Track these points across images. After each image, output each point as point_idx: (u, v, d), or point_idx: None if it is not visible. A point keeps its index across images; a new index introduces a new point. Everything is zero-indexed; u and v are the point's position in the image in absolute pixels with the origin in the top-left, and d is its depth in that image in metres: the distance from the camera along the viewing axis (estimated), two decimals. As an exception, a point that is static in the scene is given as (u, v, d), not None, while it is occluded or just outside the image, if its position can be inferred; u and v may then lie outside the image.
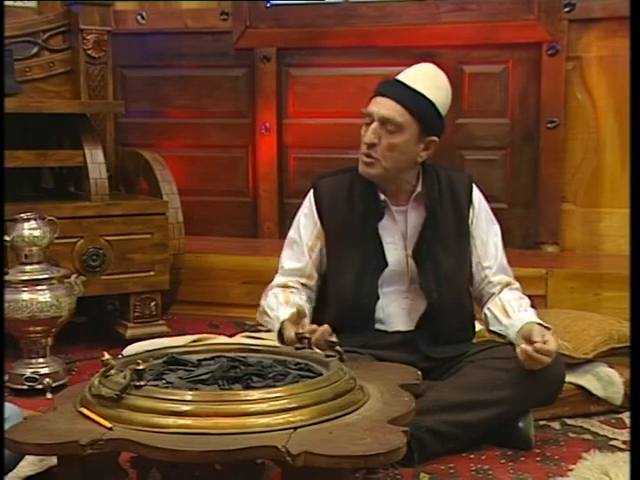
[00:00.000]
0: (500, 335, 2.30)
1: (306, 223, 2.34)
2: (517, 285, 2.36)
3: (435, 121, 2.22)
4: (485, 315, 2.33)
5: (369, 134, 2.19)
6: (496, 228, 2.38)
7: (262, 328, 3.34)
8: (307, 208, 2.35)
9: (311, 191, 2.36)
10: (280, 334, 2.15)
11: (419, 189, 2.28)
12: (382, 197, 2.28)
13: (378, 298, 2.28)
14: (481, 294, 2.36)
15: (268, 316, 2.26)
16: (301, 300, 2.27)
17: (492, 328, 2.31)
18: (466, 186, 2.34)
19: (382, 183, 2.27)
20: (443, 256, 2.28)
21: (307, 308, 2.24)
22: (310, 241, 2.33)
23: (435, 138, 2.24)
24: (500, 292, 2.32)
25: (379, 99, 2.21)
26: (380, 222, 2.28)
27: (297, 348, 1.98)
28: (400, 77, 2.24)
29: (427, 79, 2.23)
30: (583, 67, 3.76)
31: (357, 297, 2.26)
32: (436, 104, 2.20)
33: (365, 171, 2.24)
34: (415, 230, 2.28)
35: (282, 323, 2.15)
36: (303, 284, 2.32)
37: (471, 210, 2.33)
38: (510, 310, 2.26)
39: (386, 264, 2.27)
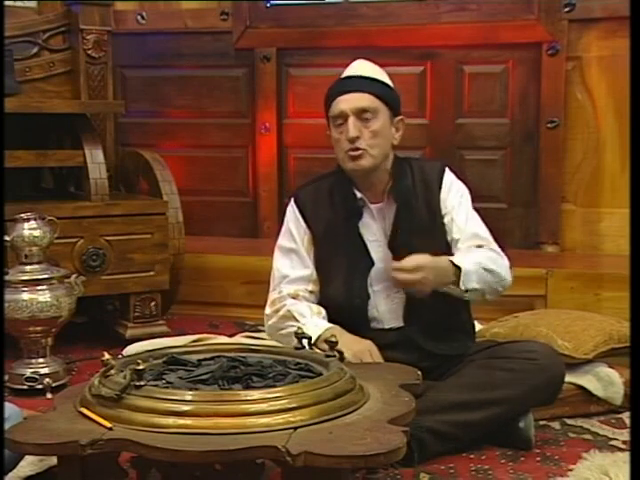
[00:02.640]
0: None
1: (298, 231, 2.34)
2: (489, 247, 2.25)
3: (397, 101, 2.29)
4: None
5: (351, 129, 2.20)
6: (466, 203, 2.31)
7: (262, 328, 3.36)
8: (293, 217, 2.36)
9: (292, 202, 2.37)
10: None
11: (391, 183, 2.29)
12: (359, 195, 2.28)
13: (369, 298, 2.27)
14: None
15: (296, 320, 2.21)
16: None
17: None
18: (438, 172, 2.33)
19: (363, 176, 2.27)
20: (418, 245, 2.23)
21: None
22: (305, 248, 2.33)
23: (402, 117, 2.30)
24: None
25: (343, 97, 2.24)
26: (361, 221, 2.29)
27: (297, 348, 1.98)
28: (348, 73, 2.30)
29: (371, 69, 2.30)
30: (583, 67, 3.76)
31: (348, 299, 2.26)
32: (391, 86, 2.28)
33: (356, 165, 2.24)
34: (392, 223, 2.29)
35: (327, 330, 2.15)
36: (310, 291, 2.31)
37: (442, 193, 2.31)
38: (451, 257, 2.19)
39: (372, 263, 2.27)
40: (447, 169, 2.35)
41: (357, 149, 2.22)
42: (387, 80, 2.29)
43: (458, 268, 2.14)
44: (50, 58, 3.48)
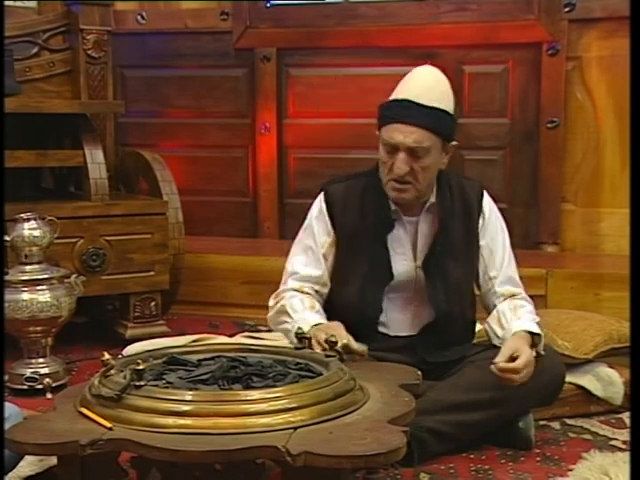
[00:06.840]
0: None
1: (320, 229, 2.28)
2: (523, 296, 2.29)
3: (454, 129, 2.20)
4: (486, 331, 2.30)
5: (401, 165, 2.12)
6: (505, 238, 2.32)
7: (262, 328, 3.36)
8: (319, 213, 2.30)
9: (321, 195, 2.31)
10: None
11: (433, 200, 2.25)
12: (394, 207, 2.24)
13: (382, 310, 2.25)
14: (487, 304, 2.33)
15: (289, 316, 2.20)
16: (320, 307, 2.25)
17: (494, 343, 2.25)
18: (477, 194, 2.31)
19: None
20: (452, 268, 2.25)
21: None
22: (324, 249, 2.28)
23: (455, 142, 2.21)
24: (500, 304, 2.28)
25: (399, 127, 2.12)
26: (390, 233, 2.24)
27: (297, 348, 1.98)
28: (410, 95, 2.13)
29: (435, 89, 2.15)
30: (583, 67, 3.76)
31: (360, 308, 2.24)
32: (450, 112, 2.16)
33: (399, 197, 2.19)
34: (425, 241, 2.25)
35: (314, 326, 2.10)
36: (317, 291, 2.28)
37: (481, 219, 2.29)
38: (504, 321, 2.22)
39: (392, 277, 2.24)
40: (485, 192, 2.33)
41: (404, 182, 2.16)
42: (448, 103, 2.15)
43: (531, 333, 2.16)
44: (50, 58, 3.48)
